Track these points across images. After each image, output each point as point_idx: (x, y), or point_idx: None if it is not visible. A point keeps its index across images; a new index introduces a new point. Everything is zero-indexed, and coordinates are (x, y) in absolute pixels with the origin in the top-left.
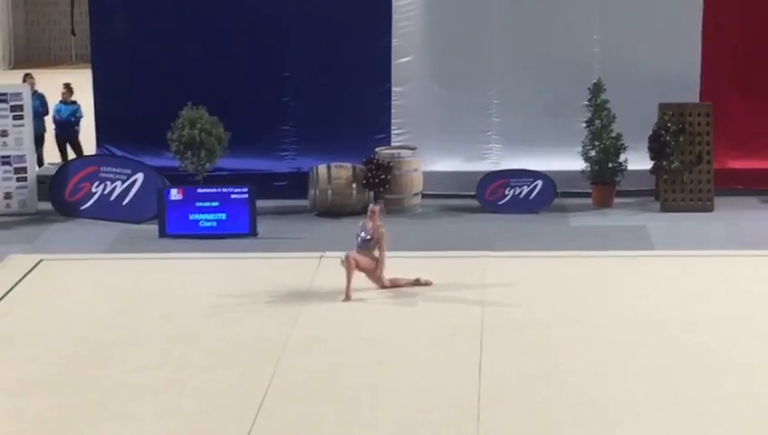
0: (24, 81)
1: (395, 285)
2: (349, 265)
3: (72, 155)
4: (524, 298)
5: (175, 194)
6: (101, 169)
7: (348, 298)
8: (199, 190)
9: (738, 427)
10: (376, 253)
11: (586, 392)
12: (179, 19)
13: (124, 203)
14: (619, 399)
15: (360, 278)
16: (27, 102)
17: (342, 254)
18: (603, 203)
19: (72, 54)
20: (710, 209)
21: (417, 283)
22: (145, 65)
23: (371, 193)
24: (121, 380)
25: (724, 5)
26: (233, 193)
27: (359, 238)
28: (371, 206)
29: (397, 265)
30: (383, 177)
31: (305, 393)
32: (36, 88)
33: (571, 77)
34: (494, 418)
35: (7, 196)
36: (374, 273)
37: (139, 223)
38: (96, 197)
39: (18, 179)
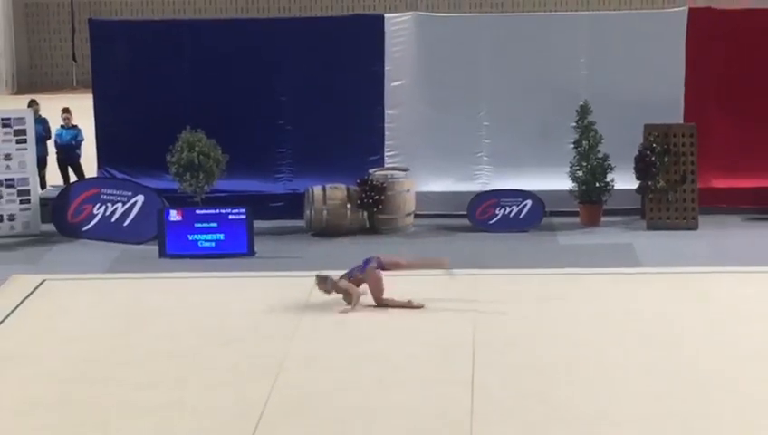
0: (29, 106)
1: (388, 304)
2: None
3: (73, 178)
4: (516, 315)
5: (174, 215)
6: (103, 191)
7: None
8: (198, 211)
9: None
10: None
11: (578, 409)
12: (177, 45)
13: (125, 224)
14: (610, 416)
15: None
16: (30, 127)
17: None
18: (591, 222)
19: (74, 80)
20: (695, 227)
21: (408, 304)
22: (144, 90)
23: (365, 213)
24: (122, 399)
25: (706, 30)
26: (231, 214)
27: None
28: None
29: (390, 282)
30: (377, 197)
31: (302, 411)
32: (40, 113)
33: (558, 100)
34: None
35: (11, 218)
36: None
37: (139, 243)
38: (98, 218)
39: (21, 202)
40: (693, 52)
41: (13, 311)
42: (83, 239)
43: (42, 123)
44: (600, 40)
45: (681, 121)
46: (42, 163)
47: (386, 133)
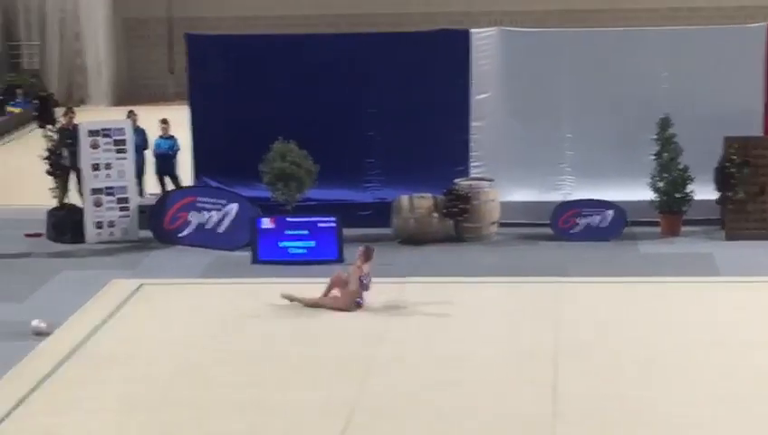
0: (128, 117)
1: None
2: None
3: (170, 186)
4: (597, 321)
5: (267, 223)
6: (198, 199)
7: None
8: (289, 219)
9: None
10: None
11: (658, 412)
12: (270, 59)
13: (219, 231)
14: (689, 418)
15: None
16: (129, 137)
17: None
18: (671, 231)
19: (171, 92)
20: None
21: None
22: (238, 102)
23: (451, 221)
24: (216, 398)
25: None
26: (321, 222)
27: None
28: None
29: (470, 289)
30: (462, 206)
31: (390, 411)
32: (138, 123)
33: (640, 113)
34: None
35: (111, 224)
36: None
37: (233, 250)
38: (193, 225)
39: (121, 209)
40: None
41: (112, 314)
42: (179, 245)
43: (140, 134)
44: (680, 55)
45: (760, 134)
46: (140, 172)
47: (471, 144)
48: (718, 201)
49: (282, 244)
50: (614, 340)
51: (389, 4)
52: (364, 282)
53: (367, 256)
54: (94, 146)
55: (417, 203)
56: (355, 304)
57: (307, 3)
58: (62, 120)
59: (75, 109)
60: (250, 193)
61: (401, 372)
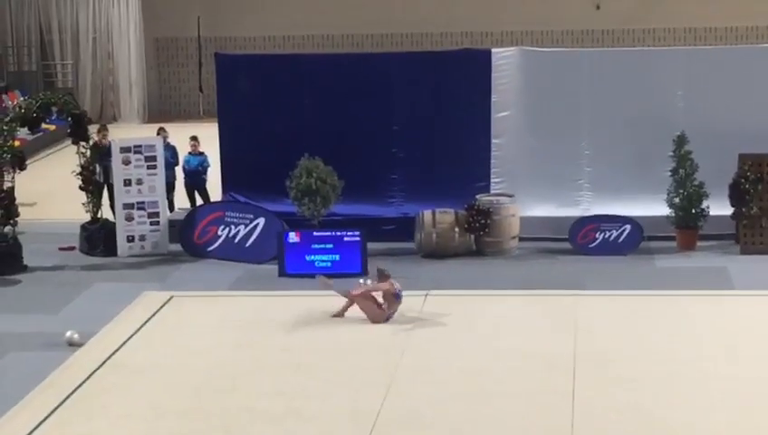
0: (158, 133)
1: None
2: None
3: (199, 201)
4: (614, 334)
5: (293, 237)
6: (227, 213)
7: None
8: (315, 233)
9: None
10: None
11: (673, 423)
12: (297, 78)
13: (247, 245)
14: (703, 429)
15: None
16: (160, 153)
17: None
18: (687, 246)
19: (200, 110)
20: None
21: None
22: (266, 120)
23: (472, 236)
24: (244, 407)
25: None
26: (346, 236)
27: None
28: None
29: (491, 302)
30: (483, 221)
31: (413, 421)
32: (168, 140)
33: (656, 130)
34: None
35: (142, 238)
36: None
37: (260, 263)
38: (222, 239)
39: (151, 223)
40: None
41: (143, 325)
42: (208, 259)
43: (170, 150)
44: (696, 75)
45: None
46: (170, 187)
47: (492, 161)
48: (733, 216)
49: (308, 257)
50: (631, 351)
51: (411, 24)
52: (400, 295)
53: (385, 276)
54: (126, 162)
55: (439, 218)
56: (386, 318)
57: (332, 23)
58: (95, 137)
59: (108, 126)
60: (277, 208)
61: (424, 383)
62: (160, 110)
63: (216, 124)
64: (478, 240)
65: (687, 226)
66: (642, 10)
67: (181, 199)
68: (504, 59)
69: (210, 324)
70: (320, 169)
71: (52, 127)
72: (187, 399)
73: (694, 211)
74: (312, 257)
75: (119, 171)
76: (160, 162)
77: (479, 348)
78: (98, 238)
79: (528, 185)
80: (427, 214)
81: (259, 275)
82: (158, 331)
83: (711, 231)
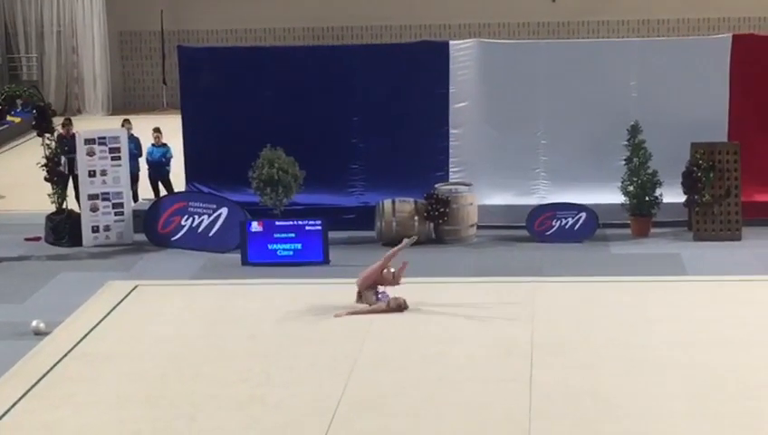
0: (123, 125)
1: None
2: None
3: (163, 192)
4: (571, 320)
5: (255, 226)
6: (190, 204)
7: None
8: (277, 223)
9: None
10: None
11: (629, 408)
12: (258, 70)
13: (210, 235)
14: (658, 414)
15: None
16: (124, 145)
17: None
18: (641, 233)
19: (164, 102)
20: (738, 238)
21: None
22: (228, 111)
23: (431, 224)
24: (209, 394)
25: (749, 55)
26: (307, 225)
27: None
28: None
29: (450, 289)
30: (442, 210)
31: (373, 407)
32: (132, 132)
33: (610, 120)
34: (544, 431)
35: (106, 228)
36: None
37: (223, 252)
38: (185, 229)
39: (116, 214)
40: (736, 75)
41: (108, 314)
42: (172, 248)
43: (134, 142)
44: (649, 65)
45: (725, 140)
46: (134, 178)
47: (450, 151)
48: (686, 204)
49: (270, 246)
50: (588, 337)
51: (372, 17)
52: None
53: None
54: (90, 153)
55: (399, 207)
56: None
57: (293, 17)
58: (60, 130)
59: (72, 118)
60: (239, 198)
61: (385, 370)
62: (124, 102)
63: (180, 116)
64: (437, 228)
65: (641, 213)
66: (597, 2)
67: (145, 190)
68: (462, 51)
69: (175, 313)
70: (281, 159)
71: (17, 119)
72: (153, 386)
73: (647, 199)
74: (275, 246)
75: (83, 163)
76: (124, 154)
77: (439, 335)
78: (63, 229)
79: (486, 174)
80: (387, 203)
81: (222, 263)
82: (123, 320)
83: (664, 218)
